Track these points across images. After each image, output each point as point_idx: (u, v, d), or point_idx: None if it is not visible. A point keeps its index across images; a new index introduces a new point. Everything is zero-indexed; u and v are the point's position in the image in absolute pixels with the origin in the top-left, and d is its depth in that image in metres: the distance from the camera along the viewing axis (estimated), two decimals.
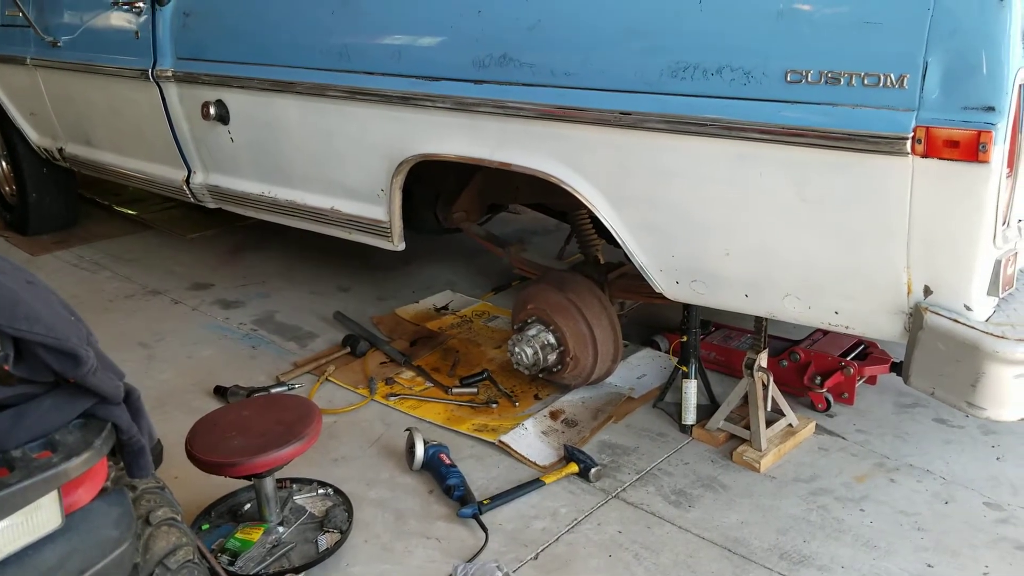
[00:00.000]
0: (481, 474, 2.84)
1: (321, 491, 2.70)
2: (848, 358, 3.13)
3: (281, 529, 2.51)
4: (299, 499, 2.65)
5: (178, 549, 1.77)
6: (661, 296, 2.66)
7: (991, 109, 1.86)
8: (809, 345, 3.21)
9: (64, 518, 1.49)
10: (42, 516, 1.45)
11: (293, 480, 2.71)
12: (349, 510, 2.62)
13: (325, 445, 2.98)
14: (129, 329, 3.98)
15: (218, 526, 2.56)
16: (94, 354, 1.47)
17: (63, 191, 5.28)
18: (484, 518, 2.59)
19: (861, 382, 3.18)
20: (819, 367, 3.13)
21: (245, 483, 2.59)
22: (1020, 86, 1.87)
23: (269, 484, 2.47)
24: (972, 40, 1.86)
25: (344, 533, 2.52)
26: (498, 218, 4.61)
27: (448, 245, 4.79)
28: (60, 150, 4.77)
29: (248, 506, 2.60)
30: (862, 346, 3.22)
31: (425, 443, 2.85)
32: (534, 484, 2.75)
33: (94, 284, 4.53)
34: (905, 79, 1.93)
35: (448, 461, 2.81)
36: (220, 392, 3.34)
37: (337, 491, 2.70)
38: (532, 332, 3.10)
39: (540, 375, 3.19)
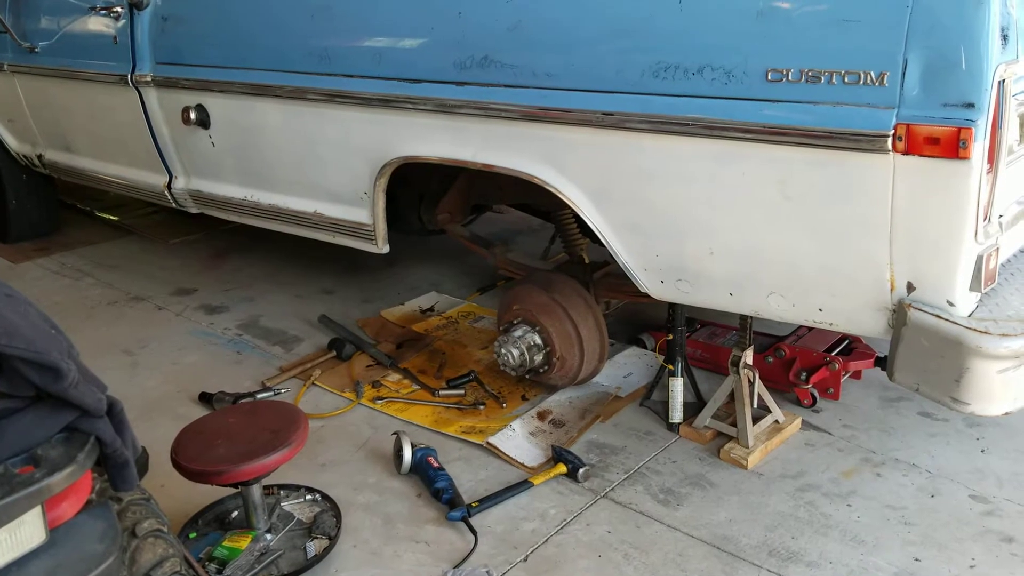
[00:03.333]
0: (469, 476, 2.84)
1: (309, 497, 2.69)
2: (833, 353, 3.14)
3: (269, 536, 2.49)
4: (287, 505, 2.63)
5: (164, 561, 1.75)
6: (646, 295, 2.66)
7: (971, 106, 1.87)
8: (794, 341, 3.21)
9: (48, 533, 1.47)
10: (26, 532, 1.43)
11: (280, 486, 2.69)
12: (337, 515, 2.62)
13: (312, 450, 2.97)
14: (113, 336, 3.95)
15: (205, 534, 2.55)
16: (75, 367, 1.45)
17: (44, 198, 5.23)
18: (473, 520, 2.59)
19: (846, 377, 3.19)
20: (804, 363, 3.14)
21: (232, 491, 2.57)
22: (999, 82, 1.88)
23: (256, 491, 2.46)
24: (951, 37, 1.87)
25: (333, 539, 2.51)
26: (483, 218, 4.61)
27: (433, 246, 4.78)
28: (40, 157, 4.73)
29: (235, 513, 2.59)
30: (847, 341, 3.23)
31: (413, 446, 2.84)
32: (523, 485, 2.75)
33: (77, 291, 4.50)
34: (885, 76, 1.94)
35: (436, 464, 2.80)
36: (206, 399, 3.32)
37: (325, 497, 2.69)
38: (518, 333, 3.09)
39: (527, 376, 3.19)
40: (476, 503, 2.65)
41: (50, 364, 1.40)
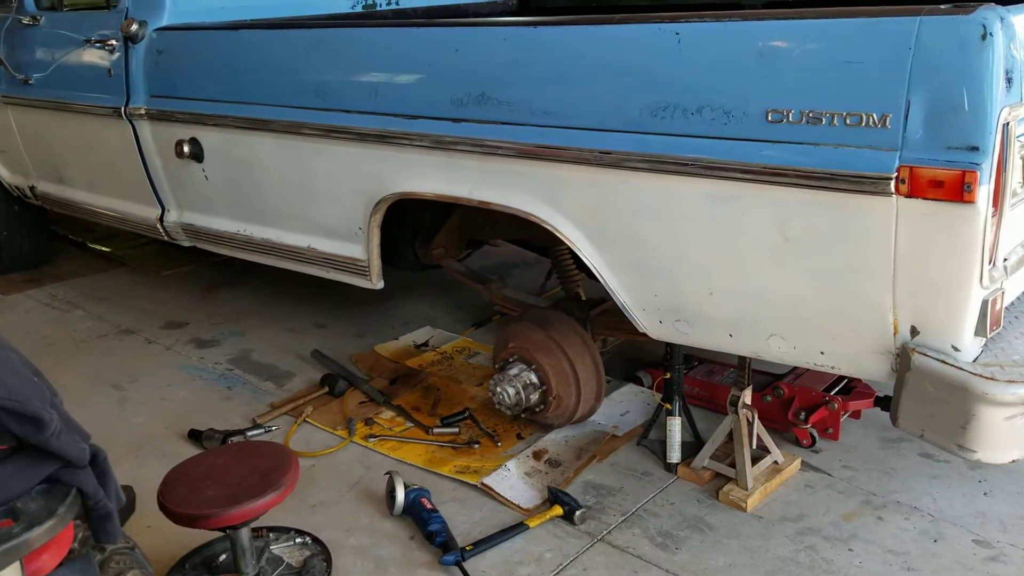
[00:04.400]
0: (464, 518, 2.78)
1: (299, 540, 2.63)
2: (832, 393, 3.10)
3: None
4: (276, 549, 2.58)
5: None
6: (644, 334, 2.62)
7: (975, 149, 1.84)
8: (792, 380, 3.17)
9: None
10: None
11: (270, 529, 2.64)
12: (328, 559, 2.56)
13: (303, 490, 2.91)
14: (102, 370, 3.90)
15: None
16: (58, 416, 1.41)
17: (35, 229, 5.20)
18: (467, 565, 2.53)
19: (845, 417, 3.15)
20: (803, 402, 3.10)
21: (220, 533, 2.51)
22: (1004, 125, 1.86)
23: (245, 535, 2.40)
24: (954, 79, 1.85)
25: None
26: (478, 251, 4.57)
27: (427, 279, 4.74)
28: (32, 188, 4.70)
29: (223, 557, 2.53)
30: (846, 380, 3.19)
31: (406, 487, 2.78)
32: (518, 528, 2.69)
33: (66, 324, 4.45)
34: (888, 119, 1.92)
35: (430, 506, 2.74)
36: (195, 436, 3.26)
37: (315, 540, 2.64)
38: (514, 371, 3.05)
39: (523, 415, 3.14)
40: (470, 546, 2.59)
41: (31, 414, 1.36)
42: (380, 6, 4.53)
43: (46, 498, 1.42)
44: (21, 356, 1.50)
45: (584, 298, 3.41)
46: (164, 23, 3.65)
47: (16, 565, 1.38)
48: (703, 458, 2.93)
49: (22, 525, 1.36)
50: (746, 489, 2.81)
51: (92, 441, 1.53)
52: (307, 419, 3.39)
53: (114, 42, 3.74)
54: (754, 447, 2.87)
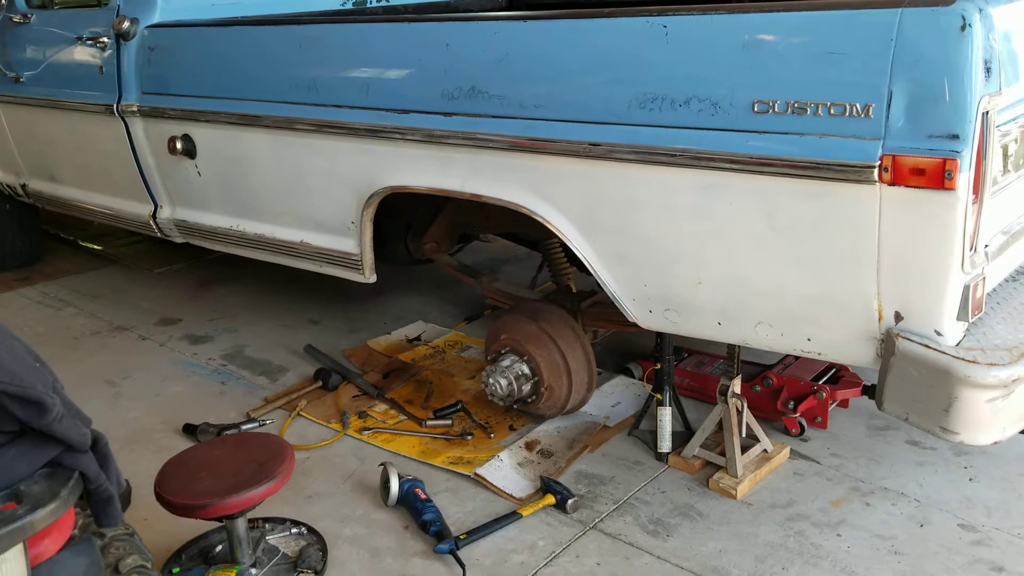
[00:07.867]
0: (457, 508, 2.81)
1: (295, 530, 2.66)
2: (820, 382, 3.14)
3: (254, 571, 2.46)
4: (272, 539, 2.60)
5: None
6: (634, 324, 2.66)
7: (955, 137, 1.88)
8: (781, 370, 3.21)
9: (30, 571, 1.45)
10: (6, 570, 1.41)
11: (266, 519, 2.66)
12: (323, 549, 2.59)
13: (298, 482, 2.94)
14: (96, 367, 3.91)
15: (189, 569, 2.51)
16: (60, 401, 1.43)
17: (27, 227, 5.21)
18: (461, 553, 2.56)
19: (833, 406, 3.19)
20: (792, 392, 3.14)
21: (216, 524, 2.54)
22: (983, 114, 1.90)
23: (241, 525, 2.43)
24: (935, 69, 1.89)
25: (319, 573, 2.48)
26: (469, 246, 4.60)
27: (419, 275, 4.77)
28: (23, 186, 4.71)
29: (220, 547, 2.56)
30: (834, 369, 3.23)
31: (400, 478, 2.81)
32: (511, 517, 2.72)
33: (59, 321, 4.46)
34: (870, 108, 1.96)
35: (424, 496, 2.78)
36: (190, 430, 3.28)
37: (311, 530, 2.66)
38: (506, 363, 3.08)
39: (515, 406, 3.17)
40: (464, 535, 2.62)
41: (34, 398, 1.38)
42: (371, 2, 4.55)
43: (49, 481, 1.45)
44: (23, 343, 1.52)
45: (575, 290, 3.44)
46: (156, 20, 3.67)
47: (19, 547, 1.41)
48: (693, 447, 2.96)
49: (25, 507, 1.39)
50: (736, 477, 2.84)
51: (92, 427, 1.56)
52: (301, 413, 3.42)
53: (106, 39, 3.76)
54: (743, 436, 2.91)
